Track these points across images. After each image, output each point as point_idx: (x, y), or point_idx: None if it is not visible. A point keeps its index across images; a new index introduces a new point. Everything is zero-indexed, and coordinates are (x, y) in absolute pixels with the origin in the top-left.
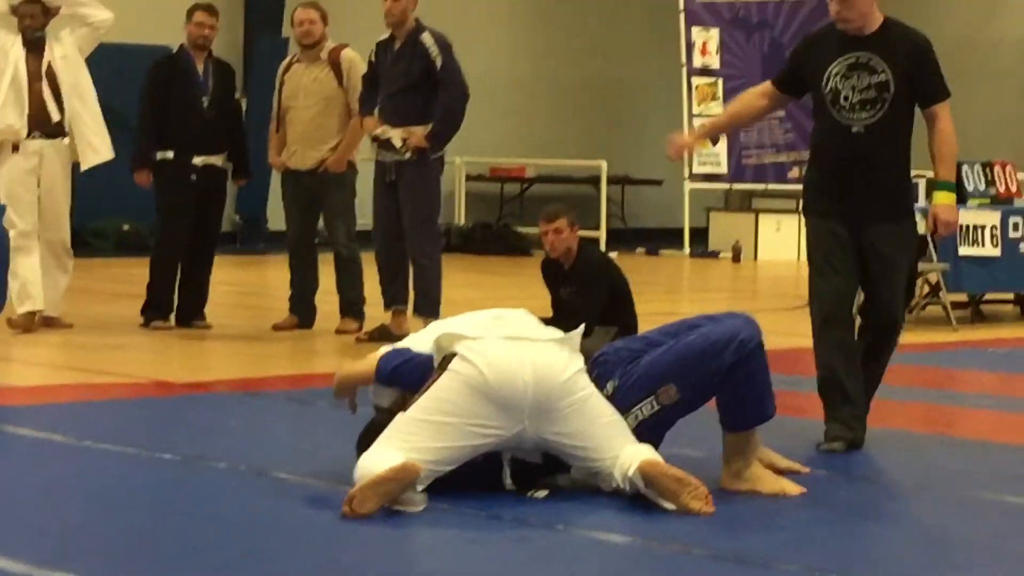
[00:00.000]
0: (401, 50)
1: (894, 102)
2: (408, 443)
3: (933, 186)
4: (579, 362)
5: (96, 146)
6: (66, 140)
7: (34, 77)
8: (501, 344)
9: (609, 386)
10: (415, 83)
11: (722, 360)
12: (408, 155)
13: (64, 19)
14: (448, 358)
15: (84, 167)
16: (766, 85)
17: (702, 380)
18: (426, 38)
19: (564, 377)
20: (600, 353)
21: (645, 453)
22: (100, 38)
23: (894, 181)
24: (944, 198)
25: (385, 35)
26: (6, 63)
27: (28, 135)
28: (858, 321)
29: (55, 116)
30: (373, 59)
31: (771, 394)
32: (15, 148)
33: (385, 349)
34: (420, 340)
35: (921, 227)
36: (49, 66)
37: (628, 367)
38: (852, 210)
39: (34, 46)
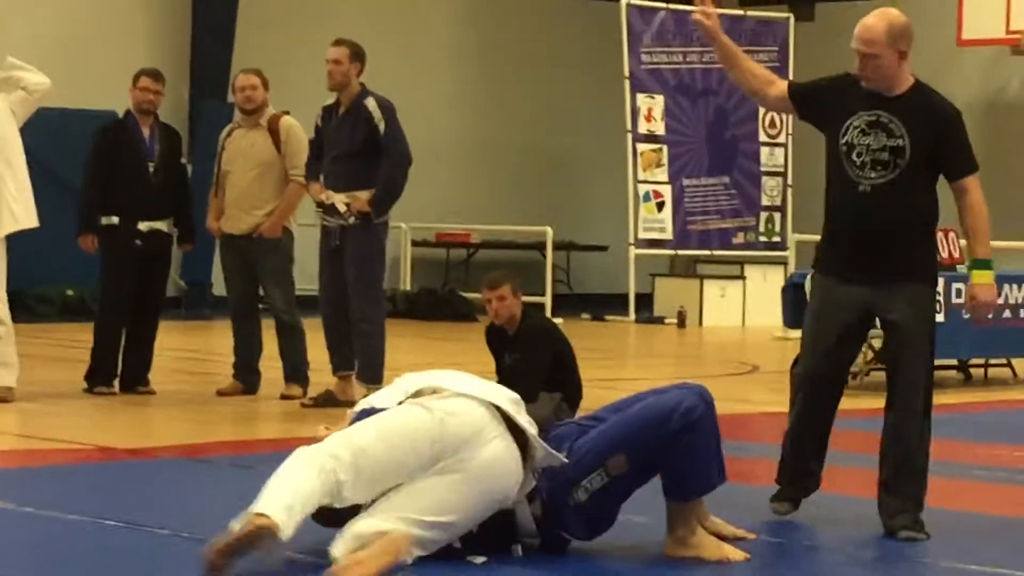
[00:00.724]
0: (345, 115)
1: (908, 168)
2: (345, 433)
3: (970, 264)
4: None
5: (16, 213)
6: None
7: None
8: (473, 403)
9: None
10: (359, 148)
11: (667, 428)
12: (352, 220)
13: (2, 83)
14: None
15: (1, 234)
16: (782, 83)
17: (649, 449)
18: (370, 103)
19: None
20: (552, 427)
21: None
22: (37, 103)
23: (902, 244)
24: (982, 277)
25: (331, 100)
26: None
27: None
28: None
29: None
30: (319, 124)
31: (717, 464)
32: None
33: (357, 409)
34: (385, 395)
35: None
36: None
37: (577, 440)
38: (859, 272)
39: None
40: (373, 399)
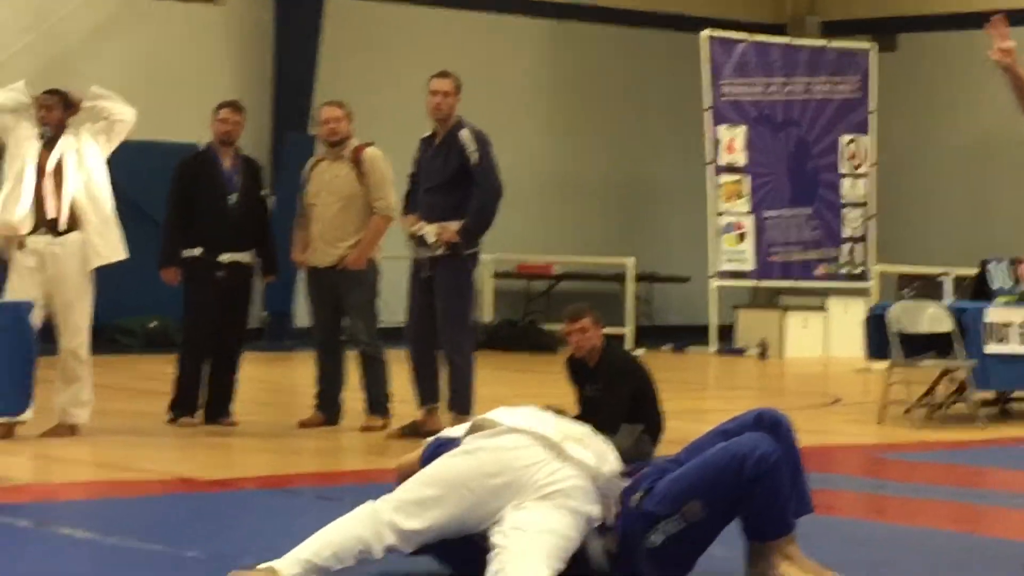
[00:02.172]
0: (440, 146)
1: None
2: (398, 495)
3: None
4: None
5: (99, 248)
6: (72, 237)
7: (42, 172)
8: (521, 437)
9: (635, 498)
10: (452, 178)
11: (742, 475)
12: (441, 250)
13: (87, 112)
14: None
15: (88, 268)
16: None
17: (725, 496)
18: (464, 134)
19: (543, 493)
20: (636, 467)
21: None
22: (122, 134)
23: None
24: None
25: (427, 131)
26: (17, 156)
27: (33, 232)
28: None
29: (51, 213)
30: (418, 156)
31: (798, 498)
32: (21, 245)
33: (429, 441)
34: (457, 428)
35: (947, 324)
36: (59, 161)
37: (655, 482)
38: None
39: (49, 140)
40: (445, 432)
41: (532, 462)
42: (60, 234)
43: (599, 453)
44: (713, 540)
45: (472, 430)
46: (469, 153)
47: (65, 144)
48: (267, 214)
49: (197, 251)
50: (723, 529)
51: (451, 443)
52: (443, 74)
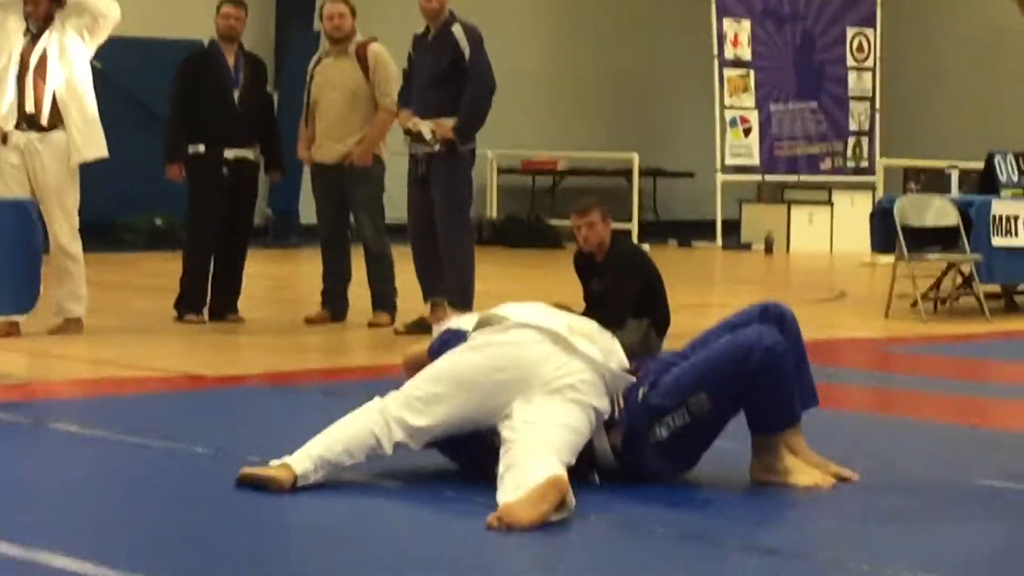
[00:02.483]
0: (432, 42)
1: None
2: (406, 391)
3: None
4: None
5: (79, 144)
6: (54, 134)
7: (25, 67)
8: (529, 332)
9: (641, 392)
10: (444, 74)
11: (748, 367)
12: (437, 147)
13: (72, 7)
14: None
15: (70, 164)
16: None
17: (731, 387)
18: (456, 30)
19: (552, 387)
20: (641, 363)
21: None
22: (106, 30)
23: None
24: None
25: (421, 28)
26: (3, 51)
27: (15, 128)
28: None
29: (29, 108)
30: (412, 52)
31: (803, 391)
32: (5, 140)
33: (440, 330)
34: (466, 319)
35: (953, 218)
36: (43, 56)
37: (661, 376)
38: None
39: (35, 35)
40: (455, 322)
41: (541, 356)
42: (42, 130)
43: (607, 349)
44: (719, 434)
45: (480, 325)
46: (462, 49)
47: (49, 39)
48: (272, 111)
49: (201, 147)
50: (728, 422)
51: (459, 335)
52: None
